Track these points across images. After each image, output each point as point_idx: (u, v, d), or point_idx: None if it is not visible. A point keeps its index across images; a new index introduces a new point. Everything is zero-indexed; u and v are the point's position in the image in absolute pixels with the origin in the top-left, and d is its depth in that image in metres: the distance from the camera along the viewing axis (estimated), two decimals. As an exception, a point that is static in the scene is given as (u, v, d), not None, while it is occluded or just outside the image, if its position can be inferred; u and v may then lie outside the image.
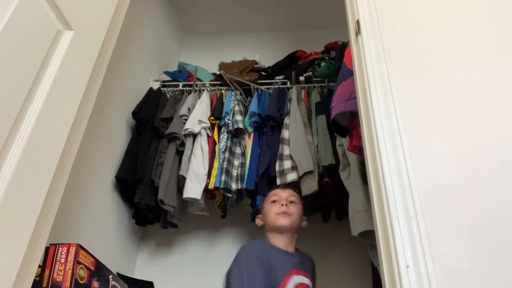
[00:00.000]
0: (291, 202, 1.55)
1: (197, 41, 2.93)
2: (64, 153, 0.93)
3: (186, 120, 2.02)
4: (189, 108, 2.07)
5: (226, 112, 2.04)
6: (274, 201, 1.57)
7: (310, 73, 2.18)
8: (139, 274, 2.07)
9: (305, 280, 1.43)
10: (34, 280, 0.87)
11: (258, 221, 1.62)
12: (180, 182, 1.90)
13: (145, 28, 2.29)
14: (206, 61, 2.54)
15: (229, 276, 1.42)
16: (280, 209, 1.52)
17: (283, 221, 1.50)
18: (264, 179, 1.83)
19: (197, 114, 2.02)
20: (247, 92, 2.21)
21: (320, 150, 1.83)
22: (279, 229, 1.51)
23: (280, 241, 1.50)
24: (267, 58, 2.46)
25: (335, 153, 1.75)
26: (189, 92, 2.23)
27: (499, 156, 0.80)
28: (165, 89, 2.30)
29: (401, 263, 0.69)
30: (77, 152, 1.01)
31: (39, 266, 0.96)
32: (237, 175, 1.90)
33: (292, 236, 1.53)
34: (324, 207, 1.94)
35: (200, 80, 2.34)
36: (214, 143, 1.99)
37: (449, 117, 0.85)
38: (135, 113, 2.05)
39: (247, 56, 2.40)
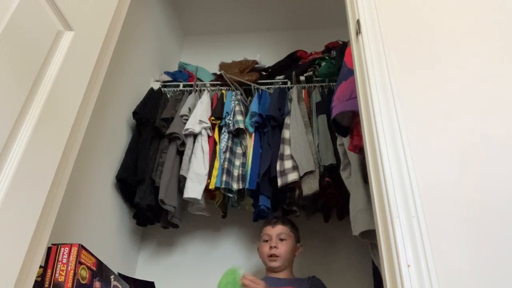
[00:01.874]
0: (281, 239, 1.67)
1: (197, 41, 2.93)
2: (65, 153, 0.93)
3: (187, 120, 2.02)
4: (189, 108, 2.07)
5: (227, 112, 2.04)
6: (266, 240, 1.70)
7: (311, 72, 2.18)
8: (140, 274, 2.07)
9: None
10: (36, 281, 0.87)
11: (259, 254, 1.76)
12: (181, 182, 1.91)
13: (146, 28, 2.29)
14: (207, 61, 2.54)
15: None
16: (270, 251, 1.65)
17: (273, 264, 1.65)
18: (265, 179, 1.83)
19: (197, 114, 2.02)
20: (248, 92, 2.21)
21: (321, 150, 1.83)
22: (271, 269, 1.67)
23: (272, 275, 1.66)
24: (267, 58, 2.46)
25: (336, 152, 1.75)
26: (190, 92, 2.23)
27: (500, 155, 0.80)
28: (165, 89, 2.30)
29: (402, 263, 0.69)
30: (78, 152, 1.01)
31: (41, 267, 0.96)
32: (239, 175, 1.90)
33: (286, 268, 1.66)
34: (325, 207, 1.94)
35: (201, 80, 2.34)
36: (215, 143, 1.99)
37: (450, 116, 0.85)
38: (135, 113, 2.05)
39: (248, 56, 2.40)
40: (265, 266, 1.71)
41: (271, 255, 1.64)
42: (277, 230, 1.69)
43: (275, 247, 1.64)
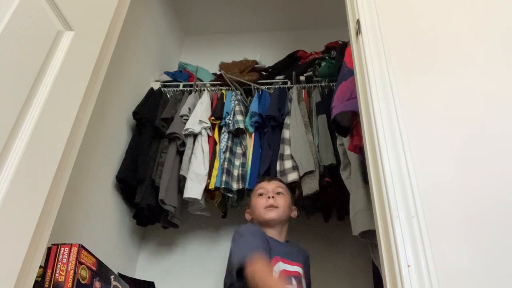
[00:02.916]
0: (278, 193, 1.55)
1: (197, 41, 2.93)
2: (65, 153, 0.93)
3: (187, 120, 2.02)
4: (189, 108, 2.07)
5: (227, 112, 2.04)
6: (261, 194, 1.56)
7: (311, 72, 2.18)
8: (140, 274, 2.07)
9: (293, 267, 1.40)
10: (36, 281, 0.87)
11: (247, 216, 1.62)
12: (181, 182, 1.91)
13: (146, 28, 2.29)
14: (207, 61, 2.54)
15: (230, 255, 1.39)
16: (267, 202, 1.50)
17: (271, 215, 1.49)
18: (265, 179, 1.83)
19: (197, 114, 2.02)
20: (248, 92, 2.21)
21: (321, 149, 1.83)
22: (268, 223, 1.49)
23: (270, 233, 1.48)
24: (267, 58, 2.46)
25: (336, 152, 1.75)
26: (190, 92, 2.23)
27: (500, 155, 0.80)
28: (165, 89, 2.30)
29: (402, 263, 0.69)
30: (78, 152, 1.01)
31: (41, 267, 0.96)
32: (238, 175, 1.90)
33: (282, 227, 1.53)
34: (325, 207, 1.94)
35: (201, 80, 2.34)
36: (215, 143, 1.99)
37: (450, 116, 0.85)
38: (135, 113, 2.05)
39: (248, 56, 2.40)
40: (258, 223, 1.52)
41: (269, 205, 1.49)
42: (273, 185, 1.57)
43: (273, 197, 1.51)
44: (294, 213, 1.60)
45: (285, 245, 1.50)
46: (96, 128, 1.71)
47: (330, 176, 1.76)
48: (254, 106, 2.04)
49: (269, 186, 1.57)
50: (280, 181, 1.66)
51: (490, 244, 0.70)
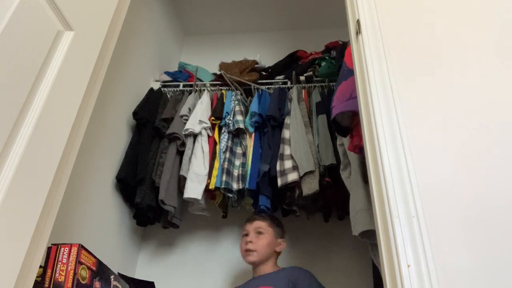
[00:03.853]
0: (259, 233, 1.65)
1: (197, 41, 2.93)
2: (65, 153, 0.93)
3: (187, 120, 2.02)
4: (189, 108, 2.07)
5: (227, 112, 2.04)
6: (244, 235, 1.70)
7: (311, 72, 2.18)
8: (140, 274, 2.07)
9: None
10: (36, 281, 0.87)
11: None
12: (181, 182, 1.91)
13: (146, 28, 2.29)
14: (207, 61, 2.54)
15: None
16: (245, 246, 1.64)
17: (249, 259, 1.63)
18: (265, 179, 1.83)
19: (197, 114, 2.02)
20: (248, 92, 2.21)
21: (321, 149, 1.83)
22: (252, 265, 1.65)
23: (256, 271, 1.64)
24: (267, 58, 2.46)
25: (336, 152, 1.75)
26: (190, 92, 2.23)
27: (500, 155, 0.80)
28: (165, 89, 2.30)
29: (402, 263, 0.69)
30: (78, 152, 1.01)
31: (41, 267, 0.96)
32: (238, 175, 1.90)
33: (267, 263, 1.62)
34: (325, 207, 1.94)
35: (201, 80, 2.34)
36: (215, 143, 1.99)
37: (450, 116, 0.85)
38: (135, 114, 2.05)
39: (248, 56, 2.40)
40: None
41: (246, 250, 1.63)
42: (254, 225, 1.68)
43: (250, 241, 1.63)
44: (281, 247, 1.68)
45: (264, 276, 1.58)
46: (96, 128, 1.71)
47: (330, 176, 1.76)
48: (254, 106, 2.04)
49: (250, 227, 1.69)
50: (263, 218, 1.71)
51: (490, 244, 0.70)
